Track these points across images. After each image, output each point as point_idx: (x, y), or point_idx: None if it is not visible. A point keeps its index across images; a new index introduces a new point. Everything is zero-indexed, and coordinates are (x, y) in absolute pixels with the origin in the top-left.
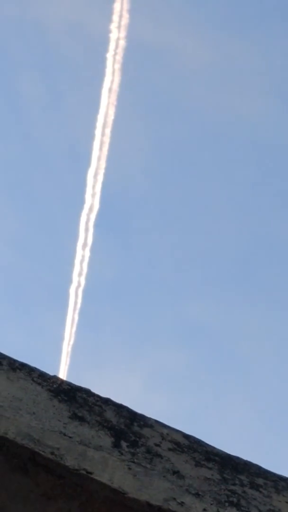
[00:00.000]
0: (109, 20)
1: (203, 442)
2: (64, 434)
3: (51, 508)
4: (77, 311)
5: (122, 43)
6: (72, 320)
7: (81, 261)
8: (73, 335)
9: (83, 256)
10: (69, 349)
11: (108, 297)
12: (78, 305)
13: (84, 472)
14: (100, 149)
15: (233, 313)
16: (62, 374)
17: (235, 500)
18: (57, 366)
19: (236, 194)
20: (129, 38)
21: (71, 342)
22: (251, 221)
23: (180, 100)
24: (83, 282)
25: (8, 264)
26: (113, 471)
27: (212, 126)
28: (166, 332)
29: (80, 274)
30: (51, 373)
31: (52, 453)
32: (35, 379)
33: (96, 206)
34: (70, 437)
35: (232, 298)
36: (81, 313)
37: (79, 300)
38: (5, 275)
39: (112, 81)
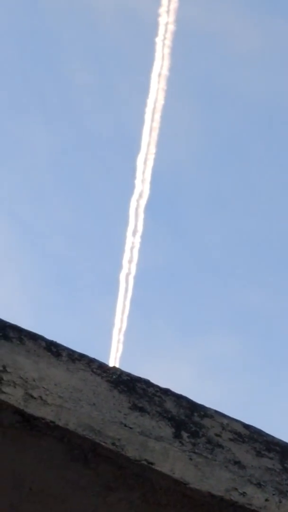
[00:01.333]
0: (158, 4)
1: (263, 431)
2: (125, 425)
3: (112, 498)
4: (128, 298)
5: (171, 27)
6: (123, 307)
7: (131, 248)
8: (124, 322)
9: (133, 243)
10: (121, 336)
11: (160, 284)
12: (129, 292)
13: (145, 463)
14: (150, 134)
15: (285, 297)
16: (114, 362)
17: None
18: (107, 353)
19: None
20: (178, 22)
21: (123, 330)
22: None
23: (231, 85)
24: (133, 268)
25: (59, 253)
26: (174, 462)
27: (264, 111)
28: (218, 318)
29: (130, 261)
30: (102, 360)
31: (113, 444)
32: (94, 370)
33: (146, 192)
34: (130, 428)
35: (283, 282)
36: (133, 300)
37: (130, 287)
38: (57, 264)
39: (161, 66)
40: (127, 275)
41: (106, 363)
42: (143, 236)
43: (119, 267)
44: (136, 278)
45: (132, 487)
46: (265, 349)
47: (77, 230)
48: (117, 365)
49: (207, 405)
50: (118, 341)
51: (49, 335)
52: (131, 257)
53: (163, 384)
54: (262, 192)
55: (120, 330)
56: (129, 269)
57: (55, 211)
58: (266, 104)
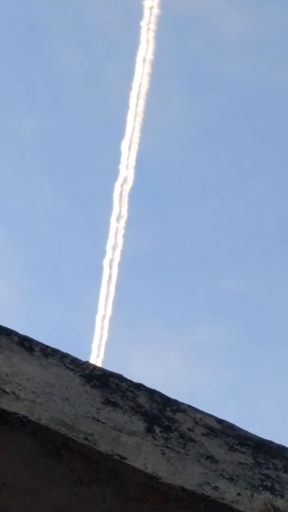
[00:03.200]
0: None
1: (236, 426)
2: (97, 420)
3: (85, 493)
4: (112, 285)
5: (156, 11)
6: (107, 293)
7: (115, 233)
8: (108, 309)
9: (117, 228)
10: (105, 323)
11: (146, 271)
12: (113, 278)
13: (117, 458)
14: (135, 119)
15: (272, 284)
16: (97, 349)
17: (269, 484)
18: (91, 340)
19: (276, 164)
20: (164, 6)
21: (107, 316)
22: None
23: (218, 69)
24: (117, 254)
25: (43, 238)
26: (146, 456)
27: (251, 96)
28: (206, 305)
29: (114, 247)
30: (86, 348)
31: (85, 439)
32: (67, 365)
33: (131, 177)
34: (103, 423)
35: (272, 270)
36: (118, 287)
37: (114, 273)
38: (40, 249)
39: (146, 50)
40: (111, 261)
41: (89, 349)
42: (129, 223)
43: (103, 253)
44: (122, 265)
45: (105, 482)
46: (252, 336)
47: (61, 215)
48: (101, 352)
49: (194, 392)
50: (102, 328)
51: (32, 322)
52: (115, 243)
53: (149, 371)
54: (249, 178)
55: (104, 316)
56: (113, 255)
57: (39, 196)
58: (254, 88)
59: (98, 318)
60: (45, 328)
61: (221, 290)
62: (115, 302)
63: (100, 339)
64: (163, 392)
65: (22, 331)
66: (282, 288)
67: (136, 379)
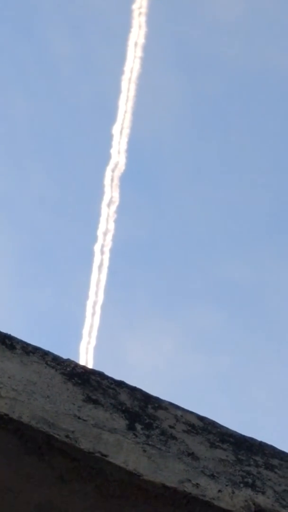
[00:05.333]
0: None
1: (217, 423)
2: (79, 417)
3: (66, 490)
4: (104, 270)
5: None
6: (98, 279)
7: (107, 219)
8: (100, 295)
9: (108, 214)
10: (97, 309)
11: (140, 257)
12: (105, 264)
13: (99, 455)
14: (126, 103)
15: (268, 271)
16: (88, 335)
17: (250, 481)
18: (82, 326)
19: (271, 147)
20: None
21: (99, 302)
22: (285, 177)
23: (211, 53)
24: (109, 240)
25: (35, 223)
26: (127, 454)
27: (244, 79)
28: (200, 291)
29: (105, 232)
30: (77, 334)
31: (66, 436)
32: (48, 362)
33: (122, 162)
34: (84, 420)
35: (266, 256)
36: (112, 273)
37: (106, 259)
38: (32, 234)
39: (138, 35)
40: (102, 246)
41: (80, 336)
42: (121, 208)
43: (95, 239)
44: (114, 251)
45: (86, 479)
46: (247, 322)
47: (53, 200)
48: (94, 338)
49: (188, 378)
50: (93, 314)
51: (22, 308)
52: (107, 228)
53: (142, 357)
54: (244, 163)
55: (95, 302)
56: (104, 240)
57: (30, 180)
58: (248, 73)
59: (89, 304)
60: (35, 314)
61: (216, 276)
62: (107, 288)
63: (91, 325)
64: (156, 379)
65: (12, 317)
66: (277, 275)
67: (129, 365)
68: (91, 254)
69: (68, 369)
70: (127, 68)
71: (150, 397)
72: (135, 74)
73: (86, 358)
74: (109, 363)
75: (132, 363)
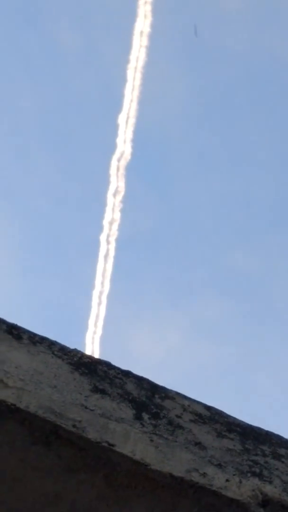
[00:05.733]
0: None
1: (224, 413)
2: (86, 407)
3: (73, 480)
4: (110, 260)
5: None
6: (104, 269)
7: (113, 209)
8: (106, 284)
9: (114, 204)
10: (103, 299)
11: (146, 246)
12: (111, 254)
13: (106, 445)
14: (132, 92)
15: (274, 261)
16: (94, 324)
17: (257, 470)
18: (88, 315)
19: (278, 137)
20: None
21: (105, 292)
22: None
23: (216, 41)
24: (115, 230)
25: (41, 213)
26: (135, 443)
27: (251, 68)
28: (207, 281)
29: (111, 222)
30: (83, 324)
31: (74, 426)
32: (55, 352)
33: (128, 152)
34: (91, 410)
35: (273, 245)
36: (118, 264)
37: (111, 249)
38: (38, 224)
39: (143, 24)
40: (108, 236)
41: (86, 326)
42: (127, 198)
43: (101, 229)
44: (120, 241)
45: (94, 469)
46: (253, 312)
47: (58, 189)
48: (99, 329)
49: (195, 368)
50: (99, 304)
51: (28, 297)
52: (112, 218)
53: (149, 347)
54: (251, 151)
55: (101, 292)
56: (110, 230)
57: (36, 170)
58: (254, 61)
59: (95, 294)
60: (41, 304)
61: (222, 266)
62: (113, 278)
63: (97, 315)
64: (162, 369)
65: (17, 306)
66: (284, 264)
67: (135, 355)
68: (97, 244)
69: (75, 359)
70: (132, 57)
71: (157, 387)
72: (140, 63)
73: (92, 348)
74: (115, 353)
75: (138, 353)
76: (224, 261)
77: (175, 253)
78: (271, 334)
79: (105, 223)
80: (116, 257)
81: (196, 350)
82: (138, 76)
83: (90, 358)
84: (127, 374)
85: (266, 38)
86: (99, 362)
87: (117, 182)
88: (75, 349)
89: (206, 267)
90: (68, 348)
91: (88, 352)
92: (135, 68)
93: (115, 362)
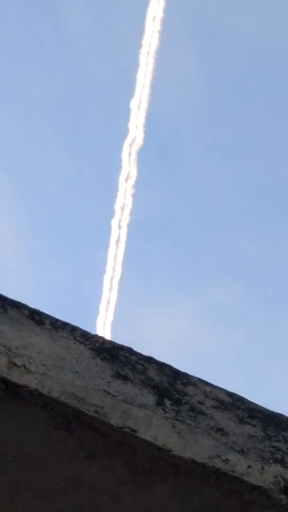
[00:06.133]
0: None
1: (246, 399)
2: (108, 393)
3: (95, 465)
4: (121, 245)
5: None
6: (115, 254)
7: (124, 194)
8: (117, 270)
9: (125, 189)
10: (114, 283)
11: (157, 231)
12: (122, 239)
13: (128, 430)
14: (144, 77)
15: (285, 246)
16: (105, 310)
17: (279, 456)
18: (99, 300)
19: None
20: None
21: (116, 277)
22: None
23: (229, 26)
24: (126, 215)
25: (53, 199)
26: (157, 429)
27: (263, 52)
28: (218, 266)
29: (123, 207)
30: (95, 307)
31: (96, 412)
32: (77, 338)
33: (140, 137)
34: (113, 396)
35: (284, 230)
36: (129, 249)
37: (123, 234)
38: (50, 210)
39: (156, 8)
40: (120, 221)
41: (97, 311)
42: (139, 183)
43: (113, 214)
44: (132, 226)
45: (115, 455)
46: (264, 297)
47: (70, 174)
48: (110, 314)
49: (206, 354)
50: (111, 289)
51: (40, 282)
52: (124, 203)
53: (160, 333)
54: (262, 137)
55: (112, 277)
56: (122, 215)
57: (48, 155)
58: (267, 45)
59: (107, 279)
60: (52, 288)
61: (233, 251)
62: (124, 263)
63: (108, 300)
64: (174, 355)
65: (29, 291)
66: None
67: (146, 341)
68: (108, 229)
69: (97, 344)
70: (145, 42)
71: (179, 373)
72: (153, 48)
73: (103, 333)
74: (126, 338)
75: (149, 339)
76: (235, 246)
77: (186, 238)
78: (282, 319)
79: (117, 208)
80: (127, 243)
81: (207, 335)
82: (151, 61)
83: (112, 343)
84: (149, 360)
85: (281, 24)
86: (121, 348)
87: (129, 167)
88: (97, 334)
89: (217, 252)
90: (90, 333)
91: (104, 337)
92: (148, 53)
93: (131, 347)
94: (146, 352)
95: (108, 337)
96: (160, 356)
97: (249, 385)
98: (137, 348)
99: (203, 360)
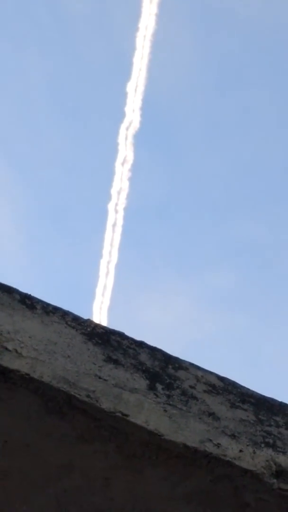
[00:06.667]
0: None
1: (237, 384)
2: (99, 377)
3: (87, 450)
4: (118, 230)
5: None
6: (112, 239)
7: (121, 177)
8: (114, 254)
9: (122, 173)
10: (110, 268)
11: (155, 215)
12: (119, 223)
13: (120, 415)
14: (141, 60)
15: (284, 230)
16: (102, 294)
17: (271, 441)
18: (95, 285)
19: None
20: None
21: (113, 262)
22: None
23: (226, 9)
24: (123, 199)
25: (51, 183)
26: (148, 413)
27: (261, 34)
28: (216, 251)
29: (119, 191)
30: (92, 292)
31: (87, 396)
32: (69, 322)
33: (137, 120)
34: (105, 380)
35: (282, 215)
36: (126, 233)
37: (120, 218)
38: (48, 194)
39: None
40: (116, 205)
41: (93, 295)
42: (136, 167)
43: (110, 198)
44: (129, 210)
45: (107, 439)
46: (262, 282)
47: (68, 158)
48: (108, 298)
49: (203, 338)
50: (107, 273)
51: (37, 265)
52: (121, 187)
53: (158, 317)
54: (261, 120)
55: (109, 262)
56: (118, 199)
57: (46, 139)
58: (264, 27)
59: (103, 263)
60: (49, 272)
61: (231, 236)
62: (121, 248)
63: (105, 285)
64: (170, 339)
65: (25, 275)
66: None
67: (143, 325)
68: (105, 213)
69: (89, 329)
70: (142, 25)
71: (170, 358)
72: (150, 31)
73: (99, 317)
74: (123, 323)
75: (146, 323)
76: (233, 230)
77: (184, 222)
78: (280, 303)
79: (113, 192)
80: (124, 227)
81: (205, 320)
82: (148, 44)
83: (104, 328)
84: (141, 344)
85: (279, 5)
86: (112, 332)
87: (125, 151)
88: (89, 319)
89: (215, 237)
90: (81, 318)
91: (96, 322)
92: (145, 36)
93: (123, 332)
94: (143, 337)
95: (104, 321)
96: (157, 340)
97: (245, 368)
98: (134, 333)
99: (200, 345)
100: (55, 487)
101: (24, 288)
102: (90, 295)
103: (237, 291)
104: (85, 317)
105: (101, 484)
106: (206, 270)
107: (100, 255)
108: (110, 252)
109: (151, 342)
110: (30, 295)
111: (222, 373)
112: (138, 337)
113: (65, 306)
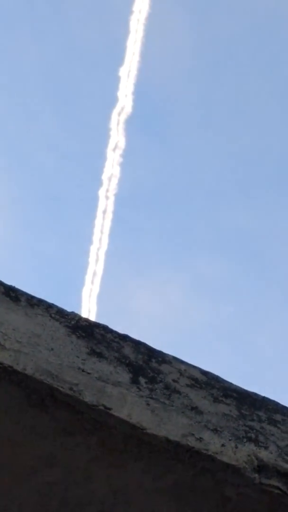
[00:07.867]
0: None
1: (220, 378)
2: (83, 370)
3: (70, 443)
4: (108, 216)
5: None
6: (102, 225)
7: (112, 164)
8: (104, 241)
9: (113, 158)
10: (100, 254)
11: (146, 202)
12: (109, 209)
13: (102, 408)
14: (134, 45)
15: (274, 219)
16: (91, 280)
17: (253, 435)
18: (85, 273)
19: (284, 93)
20: None
21: (103, 248)
22: None
23: None
24: (114, 185)
25: (44, 169)
26: (131, 407)
27: (257, 19)
28: (205, 239)
29: (110, 178)
30: (82, 279)
31: (70, 389)
32: (53, 315)
33: (129, 105)
34: (88, 373)
35: (272, 204)
36: (118, 220)
37: (110, 204)
38: (40, 180)
39: None
40: (107, 191)
41: (82, 282)
42: (128, 153)
43: (100, 183)
44: (120, 196)
45: (90, 432)
46: (253, 271)
47: (59, 143)
48: (97, 285)
49: (193, 327)
50: (97, 260)
51: (26, 252)
52: (112, 173)
53: (149, 305)
54: (254, 108)
55: (99, 249)
56: (109, 185)
57: (38, 123)
58: (260, 12)
59: (93, 250)
60: (38, 259)
61: (222, 224)
62: (112, 235)
63: (94, 272)
64: (161, 328)
65: (15, 261)
66: (284, 223)
67: (134, 314)
68: (96, 199)
69: (73, 322)
70: (136, 8)
71: (154, 351)
72: (144, 15)
73: (88, 305)
74: (113, 312)
75: (136, 312)
76: (224, 218)
77: (176, 209)
78: (270, 293)
79: (104, 178)
80: (115, 214)
81: (196, 309)
82: (141, 28)
83: (88, 321)
84: (124, 338)
85: None
86: (96, 325)
87: (117, 137)
88: (73, 312)
89: (207, 225)
90: (65, 311)
91: (84, 309)
92: (138, 20)
93: (113, 321)
94: (133, 324)
95: (93, 309)
96: (146, 328)
97: (235, 359)
98: (123, 320)
99: (190, 334)
100: (36, 481)
101: (12, 275)
102: (79, 282)
103: (229, 280)
104: (74, 304)
105: (83, 477)
106: (198, 259)
107: (90, 242)
108: (100, 239)
109: (140, 330)
110: (14, 287)
111: (210, 364)
112: (127, 326)
113: (54, 293)
